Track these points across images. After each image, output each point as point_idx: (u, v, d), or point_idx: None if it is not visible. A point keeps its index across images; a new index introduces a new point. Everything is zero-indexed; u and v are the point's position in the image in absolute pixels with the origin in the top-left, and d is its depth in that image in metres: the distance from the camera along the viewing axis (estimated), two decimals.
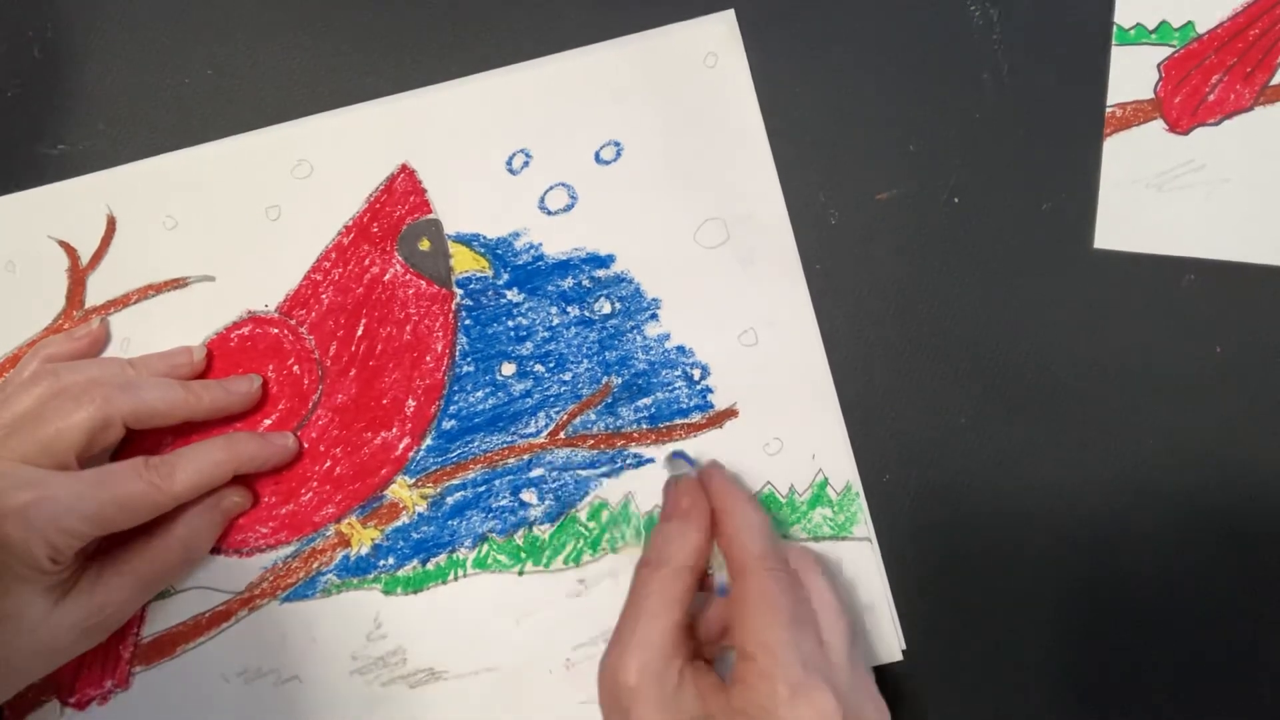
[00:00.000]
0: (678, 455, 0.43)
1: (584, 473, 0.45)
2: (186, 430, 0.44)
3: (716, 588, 0.40)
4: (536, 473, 0.45)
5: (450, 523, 0.45)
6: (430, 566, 0.45)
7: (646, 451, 0.45)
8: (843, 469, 0.45)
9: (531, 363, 0.45)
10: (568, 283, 0.46)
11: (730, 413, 0.45)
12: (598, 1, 0.46)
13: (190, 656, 0.45)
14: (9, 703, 0.44)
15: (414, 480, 0.45)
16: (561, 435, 0.45)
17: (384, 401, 0.45)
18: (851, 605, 0.44)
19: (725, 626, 0.39)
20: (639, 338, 0.45)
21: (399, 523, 0.45)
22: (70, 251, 0.46)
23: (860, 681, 0.38)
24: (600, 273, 0.46)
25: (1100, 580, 0.44)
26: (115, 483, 0.40)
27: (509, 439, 0.45)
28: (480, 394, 0.45)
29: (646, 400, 0.45)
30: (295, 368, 0.46)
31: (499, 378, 0.45)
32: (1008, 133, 0.45)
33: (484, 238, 0.46)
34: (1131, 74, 0.45)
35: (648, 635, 0.37)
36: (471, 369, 0.45)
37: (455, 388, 0.45)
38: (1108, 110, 0.45)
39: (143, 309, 0.46)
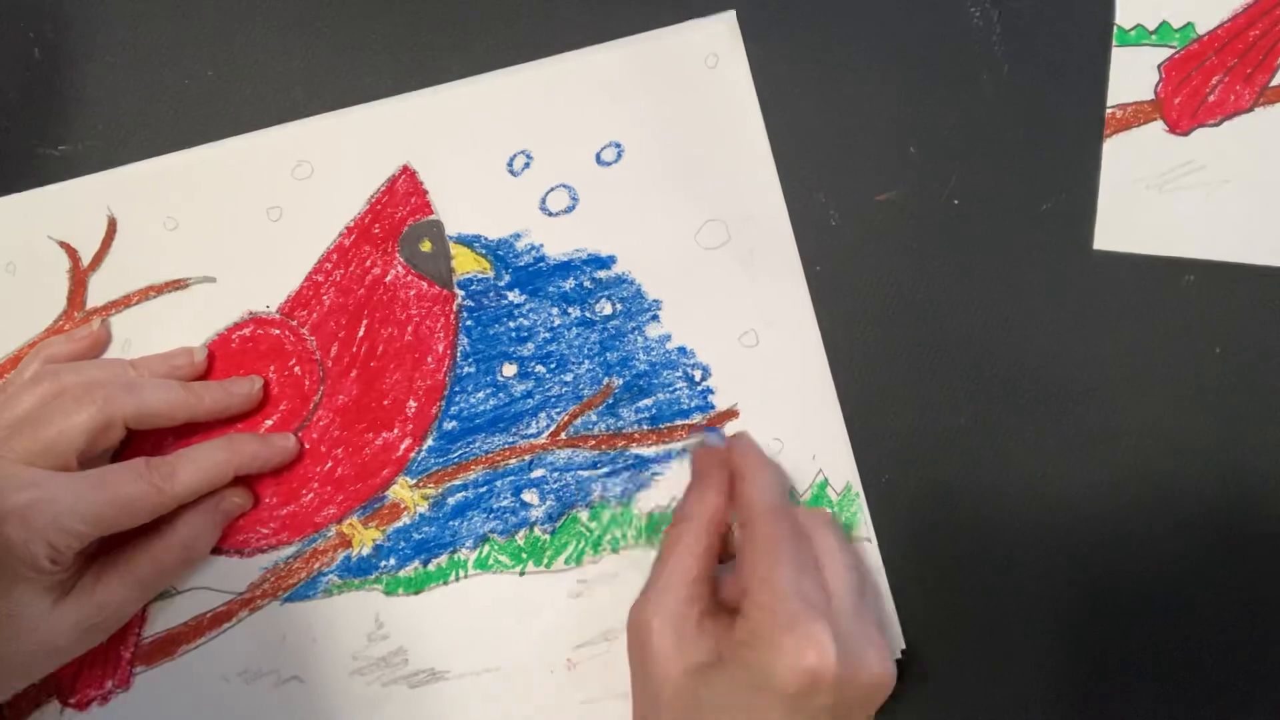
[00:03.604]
0: (709, 430, 0.45)
1: (585, 473, 0.45)
2: (187, 431, 0.44)
3: (736, 543, 0.42)
4: (538, 473, 0.45)
5: (451, 523, 0.45)
6: (431, 567, 0.45)
7: (648, 452, 0.45)
8: (843, 469, 0.45)
9: (533, 363, 0.45)
10: (569, 284, 0.46)
11: (731, 413, 0.45)
12: (598, 2, 0.46)
13: (191, 657, 0.45)
14: (9, 703, 0.44)
15: (415, 481, 0.45)
16: (563, 436, 0.45)
17: (385, 402, 0.45)
18: None
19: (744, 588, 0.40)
20: (640, 339, 0.45)
21: (400, 523, 0.45)
22: (71, 252, 0.46)
23: (864, 629, 0.39)
24: (601, 274, 0.46)
25: (1100, 580, 0.44)
26: (115, 484, 0.40)
27: (510, 440, 0.45)
28: (481, 395, 0.45)
29: (647, 401, 0.45)
30: (296, 369, 0.46)
31: (500, 379, 0.45)
32: (1008, 133, 0.45)
33: (485, 239, 0.46)
34: (1131, 75, 0.45)
35: (669, 582, 0.40)
36: (473, 370, 0.45)
37: (456, 388, 0.45)
38: (1108, 111, 0.45)
39: (144, 310, 0.46)
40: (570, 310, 0.45)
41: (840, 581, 0.40)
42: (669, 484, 0.45)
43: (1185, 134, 0.45)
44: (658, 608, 0.39)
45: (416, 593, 0.45)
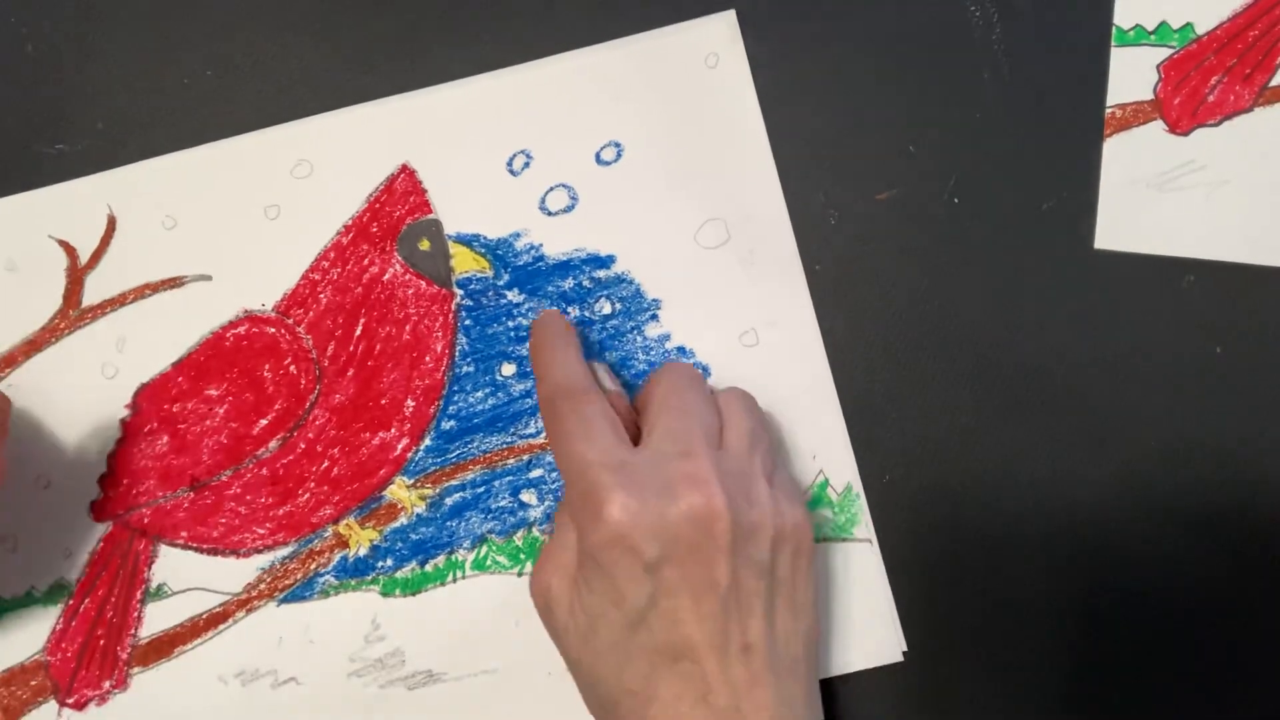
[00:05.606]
0: None
1: None
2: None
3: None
4: (536, 474, 0.45)
5: (449, 524, 0.45)
6: (429, 568, 0.45)
7: None
8: (843, 469, 0.45)
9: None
10: (568, 283, 0.45)
11: None
12: (598, 2, 0.46)
13: (188, 658, 0.44)
14: (2, 704, 0.44)
15: (413, 481, 0.45)
16: None
17: (382, 402, 0.45)
18: (852, 606, 0.44)
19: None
20: (639, 338, 0.45)
21: (397, 524, 0.45)
22: (70, 251, 0.46)
23: (753, 472, 0.39)
24: (601, 273, 0.45)
25: (1101, 580, 0.44)
26: None
27: (509, 440, 0.45)
28: (480, 394, 0.45)
29: None
30: (292, 368, 0.45)
31: (499, 378, 0.45)
32: (1008, 133, 0.45)
33: (484, 238, 0.46)
34: (1131, 75, 0.45)
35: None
36: (471, 369, 0.45)
37: (455, 388, 0.45)
38: (1107, 111, 0.45)
39: (138, 308, 0.46)
40: (569, 310, 0.45)
41: (738, 435, 0.40)
42: None
43: (1185, 134, 0.45)
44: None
45: (414, 594, 0.45)
